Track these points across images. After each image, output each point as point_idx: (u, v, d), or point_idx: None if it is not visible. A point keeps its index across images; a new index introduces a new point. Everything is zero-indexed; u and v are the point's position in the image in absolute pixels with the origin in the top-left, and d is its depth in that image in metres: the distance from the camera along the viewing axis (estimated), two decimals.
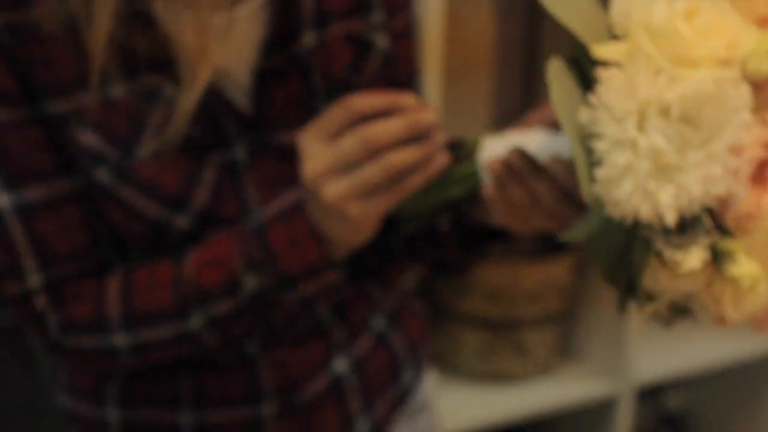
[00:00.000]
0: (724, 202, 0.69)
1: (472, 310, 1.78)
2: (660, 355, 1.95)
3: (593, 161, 0.69)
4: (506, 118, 1.87)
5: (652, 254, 0.70)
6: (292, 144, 0.93)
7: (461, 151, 0.90)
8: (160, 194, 0.93)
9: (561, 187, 0.83)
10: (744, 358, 2.00)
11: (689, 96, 0.65)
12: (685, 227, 0.69)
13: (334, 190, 0.86)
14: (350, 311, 1.06)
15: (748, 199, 0.69)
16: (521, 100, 1.93)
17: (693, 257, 0.68)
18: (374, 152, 0.85)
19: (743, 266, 0.69)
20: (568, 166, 0.79)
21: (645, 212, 0.67)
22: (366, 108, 0.86)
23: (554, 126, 0.86)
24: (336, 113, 0.87)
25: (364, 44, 1.02)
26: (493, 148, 0.88)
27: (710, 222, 0.69)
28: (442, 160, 0.88)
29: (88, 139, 0.91)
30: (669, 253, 0.69)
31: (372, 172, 0.85)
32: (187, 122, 0.90)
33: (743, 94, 0.67)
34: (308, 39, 0.98)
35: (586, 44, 0.70)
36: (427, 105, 0.88)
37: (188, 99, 0.89)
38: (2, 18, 0.87)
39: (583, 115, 0.69)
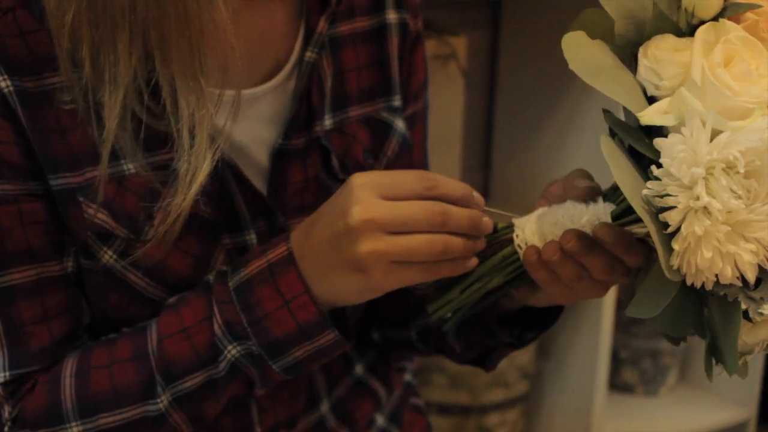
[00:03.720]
0: None
1: (437, 397, 1.75)
2: None
3: (666, 232, 0.68)
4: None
5: (741, 314, 0.70)
6: None
7: (495, 237, 0.87)
8: (168, 279, 0.88)
9: (610, 254, 0.80)
10: None
11: (752, 148, 0.65)
12: (762, 280, 0.69)
13: (372, 244, 0.80)
14: (355, 412, 1.03)
15: None
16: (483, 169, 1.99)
17: None
18: (435, 227, 0.81)
19: None
20: (615, 230, 0.77)
21: (727, 275, 0.67)
22: (449, 191, 0.82)
23: (575, 197, 0.84)
24: (412, 180, 0.82)
25: (383, 128, 0.99)
26: (528, 227, 0.85)
27: None
28: (474, 261, 0.84)
29: (97, 216, 0.85)
30: (753, 309, 0.69)
31: (420, 243, 0.80)
32: (181, 224, 0.84)
33: None
34: (328, 120, 0.95)
35: (630, 112, 0.71)
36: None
37: (188, 193, 0.83)
38: (15, 83, 0.83)
39: (650, 188, 0.68)
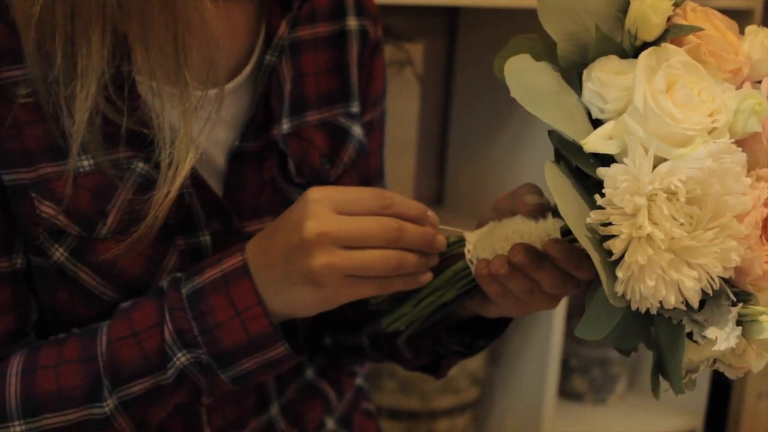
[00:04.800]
0: (740, 269, 0.69)
1: (387, 402, 1.75)
2: None
3: (610, 260, 0.68)
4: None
5: (685, 336, 0.70)
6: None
7: (448, 251, 0.87)
8: (120, 279, 0.87)
9: (560, 269, 0.81)
10: None
11: (693, 177, 0.66)
12: (706, 302, 0.69)
13: (326, 258, 0.80)
14: (305, 415, 1.02)
15: (762, 260, 0.70)
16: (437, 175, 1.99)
17: (729, 338, 0.68)
18: (390, 243, 0.81)
19: None
20: (565, 246, 0.78)
21: (670, 302, 0.67)
22: (403, 209, 0.83)
23: (524, 213, 0.85)
24: (368, 197, 0.82)
25: (340, 133, 0.99)
26: (479, 242, 0.86)
27: (731, 293, 0.69)
28: (428, 277, 0.85)
29: (49, 212, 0.84)
30: (697, 332, 0.69)
31: (374, 259, 0.81)
32: (168, 209, 0.83)
33: (739, 159, 0.68)
34: (286, 124, 0.95)
35: (573, 140, 0.70)
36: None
37: (173, 186, 0.82)
38: None
39: (594, 217, 0.68)
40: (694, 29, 0.73)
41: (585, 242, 0.68)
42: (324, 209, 0.81)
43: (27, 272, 0.88)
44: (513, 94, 0.70)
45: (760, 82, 0.74)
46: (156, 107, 0.83)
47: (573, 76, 0.75)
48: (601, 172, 0.68)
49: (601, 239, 0.68)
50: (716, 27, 0.75)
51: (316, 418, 1.05)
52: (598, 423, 1.99)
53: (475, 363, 1.79)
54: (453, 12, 1.92)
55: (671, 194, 0.66)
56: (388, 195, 0.83)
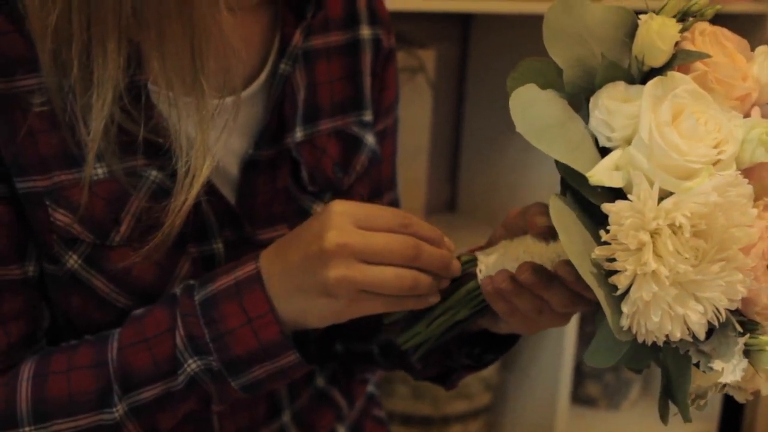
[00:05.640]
0: (747, 300, 0.69)
1: (400, 408, 1.75)
2: None
3: (615, 295, 0.68)
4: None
5: (691, 366, 0.70)
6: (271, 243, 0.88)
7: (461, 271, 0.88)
8: (133, 286, 0.87)
9: (571, 290, 0.81)
10: None
11: (698, 212, 0.65)
12: (713, 332, 0.69)
13: (343, 270, 0.80)
14: (316, 423, 1.03)
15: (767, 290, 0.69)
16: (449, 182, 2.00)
17: (736, 370, 0.68)
18: (407, 261, 0.82)
19: None
20: (575, 270, 0.78)
21: (676, 335, 0.67)
22: (421, 231, 0.84)
23: (534, 234, 0.85)
24: (388, 215, 0.83)
25: (353, 142, 1.00)
26: (491, 262, 0.86)
27: (738, 324, 0.69)
28: (437, 298, 0.86)
29: (64, 220, 0.84)
30: (704, 363, 0.69)
31: (390, 276, 0.81)
32: (185, 217, 0.84)
33: (746, 191, 0.67)
34: (299, 133, 0.95)
35: (578, 172, 0.70)
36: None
37: (189, 193, 0.83)
38: None
39: (598, 253, 0.68)
40: (701, 56, 0.72)
41: (589, 279, 0.68)
42: (346, 222, 0.81)
43: (39, 279, 0.88)
44: (518, 129, 0.70)
45: None
46: (172, 116, 0.83)
47: (581, 100, 0.74)
48: (606, 207, 0.67)
49: (606, 274, 0.68)
50: (725, 50, 0.74)
51: (327, 425, 1.05)
52: (612, 428, 1.99)
53: (488, 369, 1.78)
54: (465, 18, 1.92)
55: (676, 228, 0.66)
56: (408, 216, 0.84)
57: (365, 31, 1.02)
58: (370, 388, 1.14)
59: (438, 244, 0.85)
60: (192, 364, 0.85)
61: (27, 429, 0.85)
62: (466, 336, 0.97)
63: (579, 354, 1.89)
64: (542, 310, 0.82)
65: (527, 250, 0.84)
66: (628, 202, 0.66)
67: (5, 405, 0.85)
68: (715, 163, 0.68)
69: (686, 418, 0.71)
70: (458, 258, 0.87)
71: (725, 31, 0.76)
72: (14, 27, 0.82)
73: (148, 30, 0.80)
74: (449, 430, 1.77)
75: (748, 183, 0.68)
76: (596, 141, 0.73)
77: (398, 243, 0.82)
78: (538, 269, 0.80)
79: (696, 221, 0.65)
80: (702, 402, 0.74)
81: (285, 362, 0.85)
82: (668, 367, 0.72)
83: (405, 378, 1.73)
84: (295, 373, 0.87)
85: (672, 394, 0.72)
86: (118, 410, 0.85)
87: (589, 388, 2.01)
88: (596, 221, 0.70)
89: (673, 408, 0.73)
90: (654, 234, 0.66)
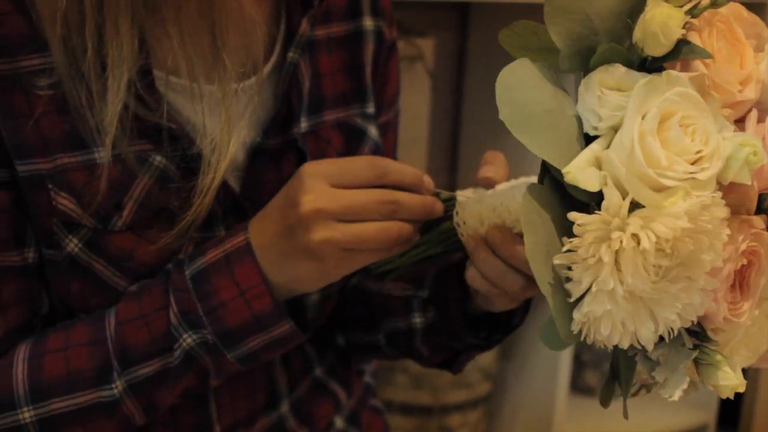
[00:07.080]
0: (704, 317, 0.68)
1: (399, 397, 1.75)
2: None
3: (567, 299, 0.67)
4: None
5: (635, 372, 0.69)
6: None
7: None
8: (135, 271, 0.87)
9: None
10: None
11: (664, 236, 0.63)
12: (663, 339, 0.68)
13: (324, 233, 0.80)
14: (314, 413, 1.03)
15: (725, 311, 0.68)
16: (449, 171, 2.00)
17: (677, 386, 0.68)
18: (386, 216, 0.82)
19: (727, 379, 0.68)
20: None
21: (624, 346, 0.66)
22: (399, 177, 0.83)
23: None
24: (362, 167, 0.83)
25: (356, 134, 0.99)
26: (467, 208, 0.86)
27: (690, 340, 0.68)
28: (417, 237, 0.86)
29: (66, 204, 0.84)
30: (647, 370, 0.69)
31: (372, 232, 0.81)
32: (209, 204, 0.84)
33: (719, 214, 0.64)
34: (304, 123, 0.95)
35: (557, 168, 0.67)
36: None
37: (218, 170, 0.83)
38: None
39: (559, 260, 0.66)
40: (702, 54, 0.68)
41: (544, 288, 0.66)
42: (319, 183, 0.81)
43: (39, 265, 0.88)
44: (501, 116, 0.67)
45: None
46: (185, 100, 0.83)
47: (578, 77, 0.71)
48: (573, 216, 0.65)
49: (564, 279, 0.66)
50: (735, 44, 0.70)
51: (326, 416, 1.05)
52: (611, 417, 1.98)
53: (487, 358, 1.78)
54: (464, 6, 1.91)
55: (640, 247, 0.63)
56: (383, 164, 0.83)
57: (368, 23, 1.01)
58: (367, 378, 1.14)
59: (418, 188, 0.84)
60: (187, 339, 0.84)
61: (25, 410, 0.85)
62: (472, 318, 0.97)
63: (578, 343, 1.89)
64: (526, 288, 0.83)
65: (505, 202, 0.84)
66: (596, 215, 0.64)
67: (2, 388, 0.85)
68: (693, 182, 0.64)
69: (625, 415, 0.72)
70: (438, 195, 0.87)
71: (741, 11, 0.72)
72: (14, 6, 0.81)
73: (165, 7, 0.80)
74: (448, 419, 1.77)
75: (731, 196, 0.66)
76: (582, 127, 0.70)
77: (375, 201, 0.81)
78: (504, 229, 0.82)
79: (662, 245, 0.63)
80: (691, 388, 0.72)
81: (280, 332, 0.86)
82: (618, 355, 0.71)
83: (404, 367, 1.73)
84: (291, 343, 0.87)
85: (618, 381, 0.72)
86: (117, 387, 0.85)
87: (588, 378, 2.01)
88: (574, 208, 0.67)
89: (665, 402, 0.72)
90: (617, 250, 0.64)
